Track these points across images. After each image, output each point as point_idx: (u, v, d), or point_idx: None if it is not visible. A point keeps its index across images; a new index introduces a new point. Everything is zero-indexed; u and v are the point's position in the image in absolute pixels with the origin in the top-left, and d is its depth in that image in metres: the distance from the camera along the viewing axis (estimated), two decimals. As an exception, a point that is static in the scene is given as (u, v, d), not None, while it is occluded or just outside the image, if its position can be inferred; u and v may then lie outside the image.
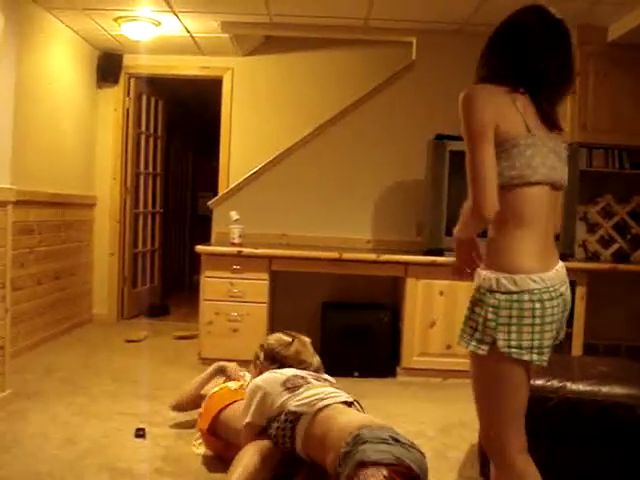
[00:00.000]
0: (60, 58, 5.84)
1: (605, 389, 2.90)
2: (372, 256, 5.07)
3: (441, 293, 4.98)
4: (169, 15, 5.40)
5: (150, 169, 7.54)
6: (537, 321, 1.93)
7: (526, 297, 1.93)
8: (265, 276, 5.07)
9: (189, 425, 3.80)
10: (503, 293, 1.94)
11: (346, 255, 5.05)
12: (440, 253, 4.99)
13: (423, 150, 5.36)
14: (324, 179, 5.79)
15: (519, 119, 1.98)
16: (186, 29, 5.78)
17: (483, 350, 1.97)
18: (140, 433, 3.59)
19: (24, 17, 4.96)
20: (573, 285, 5.04)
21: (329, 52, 6.34)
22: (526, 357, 1.95)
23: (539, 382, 2.95)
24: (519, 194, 1.97)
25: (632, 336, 5.63)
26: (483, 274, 2.01)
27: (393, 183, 5.76)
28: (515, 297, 1.93)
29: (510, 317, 1.93)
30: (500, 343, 1.94)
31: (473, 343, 2.00)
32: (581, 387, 2.92)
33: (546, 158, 1.99)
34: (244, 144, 6.46)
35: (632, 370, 3.27)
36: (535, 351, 1.95)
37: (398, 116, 5.73)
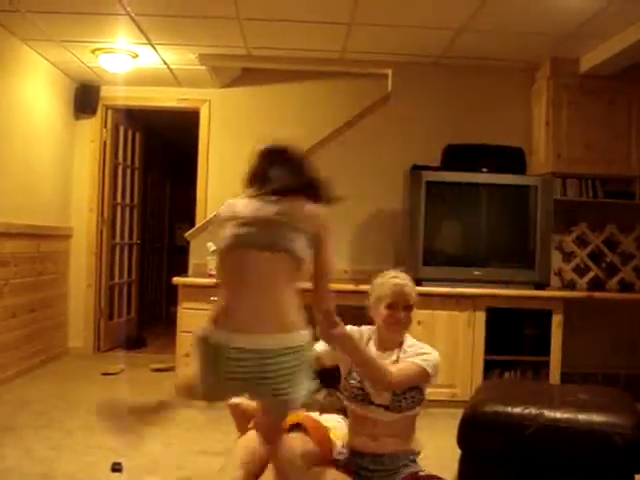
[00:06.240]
0: (37, 89, 5.83)
1: (582, 417, 2.89)
2: (350, 286, 5.06)
3: (419, 322, 4.98)
4: (146, 47, 5.43)
5: (127, 200, 7.52)
6: None
7: None
8: (243, 307, 5.03)
9: (165, 458, 3.76)
10: None
11: (324, 285, 5.02)
12: (418, 283, 4.99)
13: (400, 180, 5.40)
14: (302, 209, 5.78)
15: None
16: (163, 61, 5.81)
17: None
18: (117, 467, 3.53)
19: (0, 48, 4.96)
20: (549, 314, 5.09)
21: (306, 84, 6.39)
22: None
23: (517, 410, 2.94)
24: None
25: (608, 364, 5.66)
26: None
27: (370, 213, 5.79)
28: None
29: None
30: None
31: None
32: (558, 415, 2.90)
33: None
34: (221, 175, 6.46)
35: (611, 397, 3.26)
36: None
37: (375, 146, 5.78)
